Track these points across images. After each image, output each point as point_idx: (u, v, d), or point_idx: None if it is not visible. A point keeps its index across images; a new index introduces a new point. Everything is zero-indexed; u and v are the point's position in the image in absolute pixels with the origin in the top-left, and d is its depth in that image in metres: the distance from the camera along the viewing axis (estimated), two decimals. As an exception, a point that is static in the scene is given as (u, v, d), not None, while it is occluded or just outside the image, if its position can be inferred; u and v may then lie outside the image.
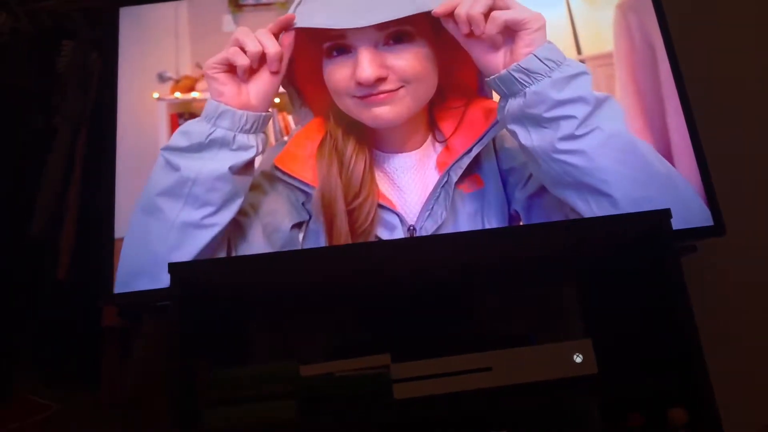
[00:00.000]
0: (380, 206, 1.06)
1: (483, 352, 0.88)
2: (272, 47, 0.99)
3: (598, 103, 0.95)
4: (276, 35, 1.01)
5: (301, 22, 1.01)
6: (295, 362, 0.89)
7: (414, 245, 0.98)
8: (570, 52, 1.19)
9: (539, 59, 0.93)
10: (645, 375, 0.93)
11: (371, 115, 1.02)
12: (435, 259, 0.99)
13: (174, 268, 0.89)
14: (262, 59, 1.00)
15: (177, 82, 1.23)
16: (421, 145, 1.11)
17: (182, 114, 1.23)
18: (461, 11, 0.95)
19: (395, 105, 1.02)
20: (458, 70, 1.06)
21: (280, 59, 1.01)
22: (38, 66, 1.51)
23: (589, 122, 0.95)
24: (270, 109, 1.04)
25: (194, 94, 1.23)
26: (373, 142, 1.11)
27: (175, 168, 1.00)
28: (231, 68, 1.00)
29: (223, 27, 1.26)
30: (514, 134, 0.99)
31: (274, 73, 1.01)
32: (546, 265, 1.08)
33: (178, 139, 1.01)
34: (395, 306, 1.12)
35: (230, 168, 0.99)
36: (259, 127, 1.01)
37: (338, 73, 1.02)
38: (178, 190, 0.99)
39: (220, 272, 0.95)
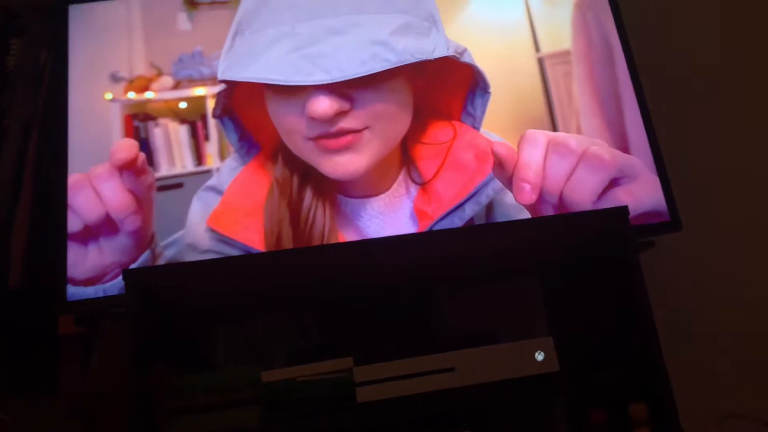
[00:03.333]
0: None
1: (445, 352, 0.87)
2: (111, 206, 0.83)
3: None
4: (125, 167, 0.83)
5: (237, 67, 0.82)
6: (256, 368, 0.88)
7: (374, 247, 0.96)
8: (528, 50, 1.20)
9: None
10: (606, 371, 0.93)
11: (331, 165, 0.85)
12: (395, 261, 0.98)
13: (128, 274, 0.87)
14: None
15: (131, 82, 1.19)
16: (392, 185, 0.93)
17: (137, 115, 1.18)
18: (546, 184, 0.79)
19: (360, 152, 0.84)
20: (439, 93, 0.89)
21: (136, 205, 0.85)
22: (-15, 65, 1.46)
23: None
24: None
25: (149, 95, 1.18)
26: (336, 186, 0.92)
27: None
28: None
29: (178, 25, 1.22)
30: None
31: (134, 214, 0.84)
32: (506, 263, 1.09)
33: None
34: (357, 309, 1.11)
35: None
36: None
37: (286, 107, 0.83)
38: None
39: (178, 277, 0.92)
